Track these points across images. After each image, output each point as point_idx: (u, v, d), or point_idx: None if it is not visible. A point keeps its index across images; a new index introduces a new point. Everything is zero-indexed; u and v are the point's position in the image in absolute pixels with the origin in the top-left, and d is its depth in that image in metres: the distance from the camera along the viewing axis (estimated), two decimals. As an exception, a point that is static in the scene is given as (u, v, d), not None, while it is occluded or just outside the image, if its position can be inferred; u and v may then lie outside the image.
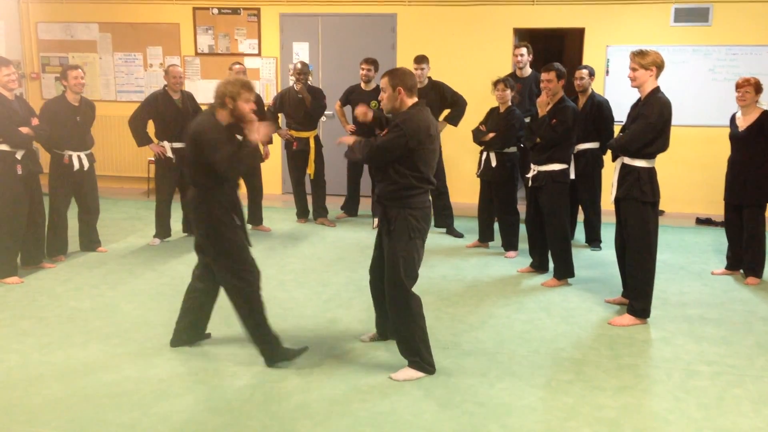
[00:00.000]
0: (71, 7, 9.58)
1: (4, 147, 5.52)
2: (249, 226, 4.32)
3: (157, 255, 6.49)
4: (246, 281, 4.01)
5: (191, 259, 6.34)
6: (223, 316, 4.95)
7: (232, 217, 4.01)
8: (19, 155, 5.57)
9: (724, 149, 6.08)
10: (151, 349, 4.37)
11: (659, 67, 4.67)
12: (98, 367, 4.11)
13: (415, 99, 3.97)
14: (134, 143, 6.91)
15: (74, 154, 6.16)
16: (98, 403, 3.68)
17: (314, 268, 6.11)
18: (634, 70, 4.69)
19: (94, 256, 6.41)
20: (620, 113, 6.32)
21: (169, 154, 6.74)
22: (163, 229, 6.95)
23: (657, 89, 4.68)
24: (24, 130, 5.57)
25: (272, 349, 4.09)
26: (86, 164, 6.25)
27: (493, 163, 6.41)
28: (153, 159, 7.13)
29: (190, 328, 4.37)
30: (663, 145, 4.71)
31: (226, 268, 4.02)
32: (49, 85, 9.72)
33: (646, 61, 4.64)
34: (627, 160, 4.77)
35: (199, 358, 4.24)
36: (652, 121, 4.61)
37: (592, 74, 6.66)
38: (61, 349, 4.36)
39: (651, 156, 4.73)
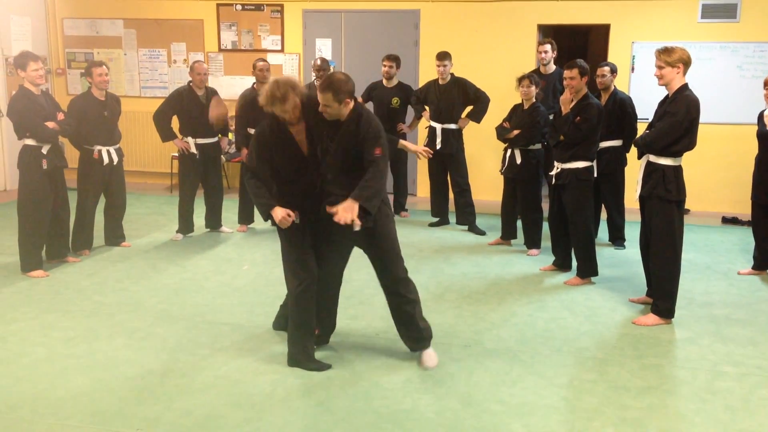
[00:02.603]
0: (96, 3, 9.67)
1: (30, 141, 5.59)
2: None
3: (180, 250, 6.54)
4: (296, 280, 4.00)
5: (214, 255, 6.43)
6: (246, 310, 4.97)
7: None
8: (44, 150, 5.62)
9: (752, 147, 5.99)
10: (175, 343, 4.40)
11: (686, 63, 4.59)
12: (122, 360, 4.14)
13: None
14: (158, 139, 6.97)
15: (104, 149, 6.22)
16: (122, 396, 3.71)
17: (336, 264, 6.11)
18: (660, 68, 4.61)
19: (118, 251, 6.47)
20: (646, 110, 6.25)
21: (193, 149, 6.78)
22: (186, 225, 6.98)
23: (685, 86, 4.61)
24: (50, 124, 5.62)
25: (298, 355, 4.07)
26: (115, 159, 6.31)
27: (518, 161, 6.37)
28: (177, 155, 7.17)
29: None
30: (690, 144, 4.64)
31: (284, 263, 4.08)
32: (75, 80, 9.82)
33: (672, 59, 4.57)
34: (652, 158, 4.71)
35: (221, 354, 4.26)
36: (679, 119, 4.54)
37: (614, 71, 6.57)
38: (86, 342, 4.41)
39: (677, 154, 4.66)
